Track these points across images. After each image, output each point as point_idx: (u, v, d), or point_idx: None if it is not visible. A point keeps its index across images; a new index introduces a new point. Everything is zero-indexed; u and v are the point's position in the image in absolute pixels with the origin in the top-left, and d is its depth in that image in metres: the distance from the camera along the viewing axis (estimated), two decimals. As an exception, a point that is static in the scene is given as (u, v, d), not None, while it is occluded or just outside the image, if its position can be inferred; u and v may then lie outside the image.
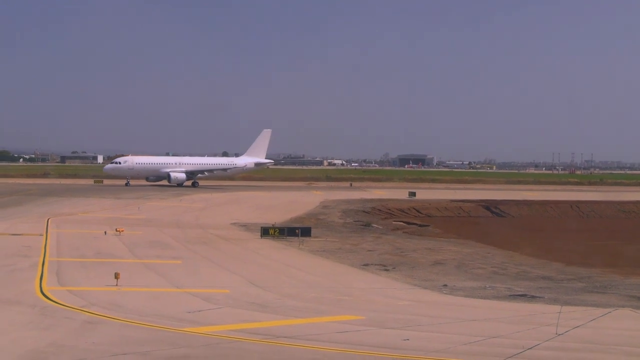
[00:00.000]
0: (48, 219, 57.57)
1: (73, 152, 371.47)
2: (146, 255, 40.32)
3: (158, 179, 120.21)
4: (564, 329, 23.05)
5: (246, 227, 58.45)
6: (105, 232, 49.00)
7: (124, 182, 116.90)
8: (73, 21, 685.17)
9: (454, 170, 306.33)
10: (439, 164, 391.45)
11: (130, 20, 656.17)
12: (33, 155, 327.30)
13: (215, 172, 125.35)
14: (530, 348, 20.14)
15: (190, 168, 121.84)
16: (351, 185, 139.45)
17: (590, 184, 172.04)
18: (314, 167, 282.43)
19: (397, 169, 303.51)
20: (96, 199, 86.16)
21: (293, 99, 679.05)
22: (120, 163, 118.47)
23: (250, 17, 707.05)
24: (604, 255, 52.50)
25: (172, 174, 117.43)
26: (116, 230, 49.25)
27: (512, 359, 18.95)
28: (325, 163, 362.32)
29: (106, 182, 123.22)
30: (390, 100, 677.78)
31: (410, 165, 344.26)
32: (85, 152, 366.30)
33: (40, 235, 47.24)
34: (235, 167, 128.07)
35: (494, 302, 29.40)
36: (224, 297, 28.33)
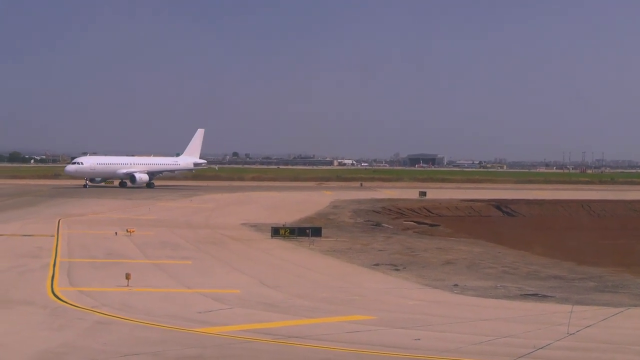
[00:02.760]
0: (59, 220, 57.80)
1: (83, 153, 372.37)
2: (157, 255, 40.43)
3: (104, 180, 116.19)
4: (575, 328, 22.96)
5: (256, 227, 58.50)
6: (116, 233, 49.13)
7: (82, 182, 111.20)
8: (79, 22, 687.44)
9: (464, 169, 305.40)
10: (449, 163, 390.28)
11: (134, 20, 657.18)
12: (44, 156, 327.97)
13: (176, 172, 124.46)
14: (542, 348, 20.09)
15: (151, 168, 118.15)
16: (361, 185, 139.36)
17: (601, 183, 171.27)
18: (324, 167, 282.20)
19: (407, 168, 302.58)
20: (106, 199, 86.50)
21: (301, 99, 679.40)
22: (82, 163, 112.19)
23: (254, 15, 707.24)
24: (615, 254, 52.15)
25: (137, 175, 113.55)
26: (127, 230, 49.36)
27: (523, 359, 18.90)
28: (336, 163, 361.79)
29: (66, 182, 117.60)
30: (400, 100, 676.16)
31: (421, 164, 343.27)
32: (95, 153, 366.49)
33: (52, 236, 47.46)
34: (180, 167, 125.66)
35: (505, 302, 29.31)
36: (235, 297, 28.39)
